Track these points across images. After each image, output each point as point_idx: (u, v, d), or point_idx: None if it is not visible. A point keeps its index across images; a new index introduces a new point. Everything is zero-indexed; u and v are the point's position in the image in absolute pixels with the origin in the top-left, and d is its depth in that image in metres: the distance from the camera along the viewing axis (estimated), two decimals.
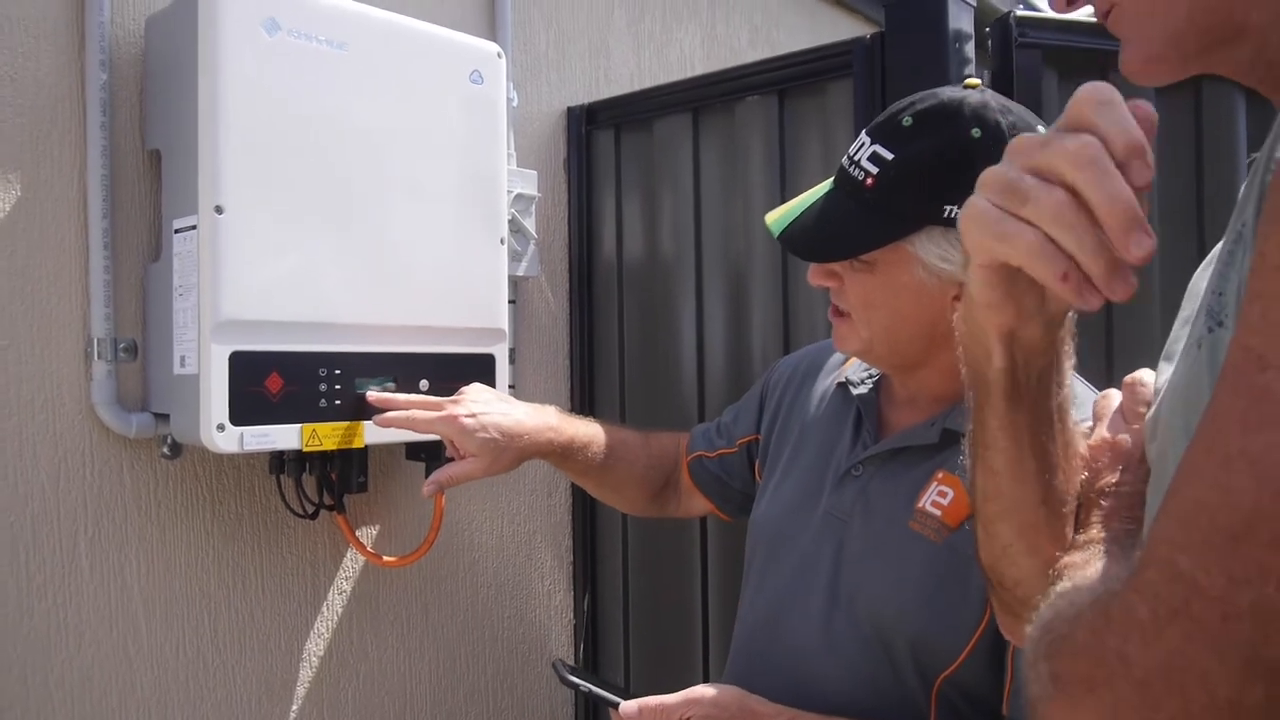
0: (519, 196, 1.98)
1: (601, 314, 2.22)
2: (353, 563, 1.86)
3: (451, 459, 1.51)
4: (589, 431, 1.54)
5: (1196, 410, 0.51)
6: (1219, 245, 0.70)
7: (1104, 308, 1.14)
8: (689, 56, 2.58)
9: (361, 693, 1.87)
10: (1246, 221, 0.57)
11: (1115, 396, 0.83)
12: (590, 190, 2.23)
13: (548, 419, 1.51)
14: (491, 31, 2.07)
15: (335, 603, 1.83)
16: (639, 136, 2.17)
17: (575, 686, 1.33)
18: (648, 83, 2.41)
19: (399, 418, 1.52)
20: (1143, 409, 0.77)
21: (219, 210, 1.42)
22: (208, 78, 1.42)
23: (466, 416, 1.45)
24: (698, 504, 1.60)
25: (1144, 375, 0.82)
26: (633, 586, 2.19)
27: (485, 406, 1.48)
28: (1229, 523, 0.46)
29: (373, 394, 1.57)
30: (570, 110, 2.24)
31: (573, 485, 2.25)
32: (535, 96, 2.18)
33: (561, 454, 1.52)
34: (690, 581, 2.08)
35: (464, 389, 1.55)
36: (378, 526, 1.89)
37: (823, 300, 1.88)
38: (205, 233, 1.42)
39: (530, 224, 2.02)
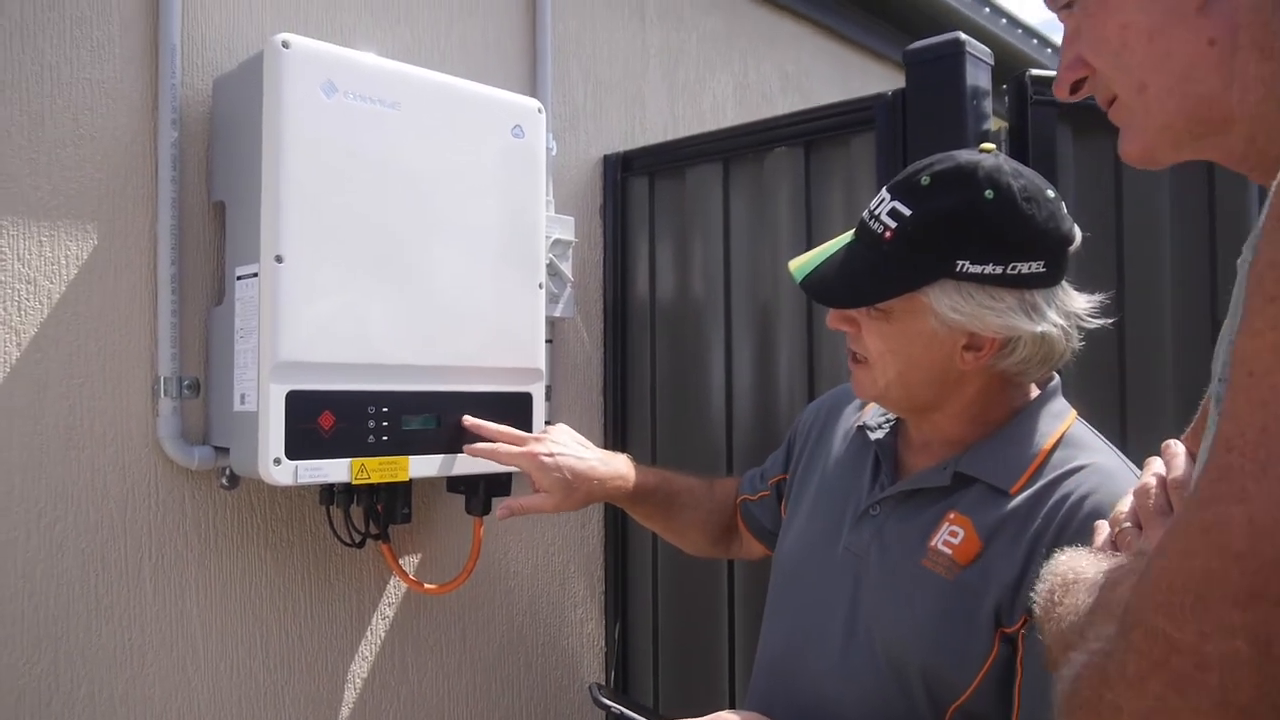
0: (557, 241, 2.09)
1: (634, 353, 2.32)
2: (395, 589, 1.95)
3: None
4: (656, 479, 1.66)
5: None
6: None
7: (1118, 377, 1.20)
8: (721, 104, 2.68)
9: (402, 713, 1.96)
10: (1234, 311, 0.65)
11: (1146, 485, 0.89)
12: (625, 235, 2.33)
13: (617, 467, 1.63)
14: (532, 85, 2.19)
15: (378, 627, 1.92)
16: (672, 184, 2.27)
17: (608, 708, 1.40)
18: (682, 129, 2.51)
19: (484, 449, 1.67)
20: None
21: (279, 259, 1.53)
22: (271, 136, 1.54)
23: (545, 455, 1.58)
24: (755, 547, 1.68)
25: (1177, 461, 0.87)
26: (662, 616, 2.26)
27: (563, 448, 1.61)
28: (1193, 584, 0.54)
29: (468, 418, 1.71)
30: (606, 158, 2.34)
31: (605, 518, 2.34)
32: (573, 145, 2.29)
33: (629, 499, 1.64)
34: (717, 611, 2.15)
35: (549, 428, 1.70)
36: (419, 555, 1.98)
37: (844, 343, 1.96)
38: (266, 280, 1.53)
39: (567, 268, 2.12)
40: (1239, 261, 0.67)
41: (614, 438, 2.31)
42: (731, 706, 2.01)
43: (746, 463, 2.08)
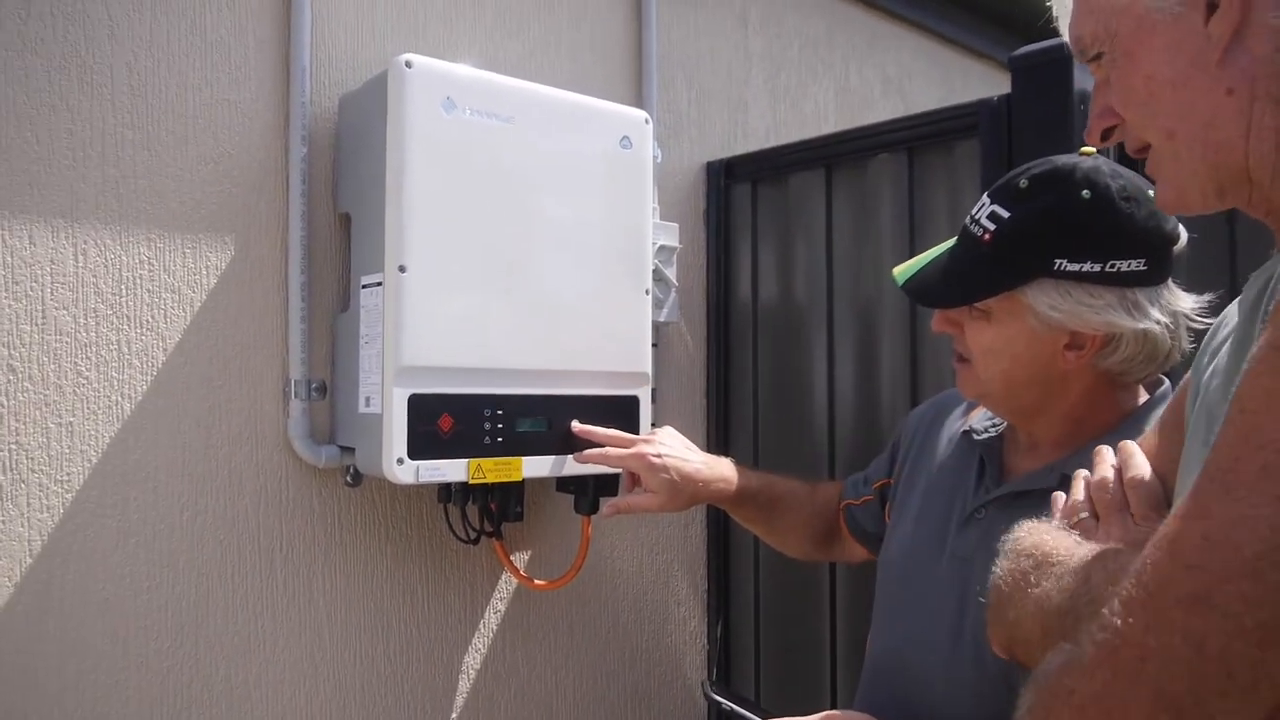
0: (662, 247, 2.14)
1: (737, 357, 2.35)
2: (506, 585, 2.02)
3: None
4: (758, 482, 1.71)
5: None
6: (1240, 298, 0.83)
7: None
8: (823, 109, 2.70)
9: (512, 705, 2.03)
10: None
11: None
12: (728, 240, 2.37)
13: (722, 471, 1.68)
14: (638, 92, 2.24)
15: (490, 621, 2.00)
16: (774, 190, 2.30)
17: (719, 704, 1.44)
18: (784, 135, 2.54)
19: (595, 454, 1.73)
20: (1147, 510, 0.89)
21: (402, 269, 1.61)
22: (394, 151, 1.62)
23: (654, 456, 1.64)
24: (857, 550, 1.70)
25: (1136, 460, 0.93)
26: (764, 615, 2.30)
27: (671, 450, 1.67)
28: (1148, 585, 0.61)
29: (577, 425, 1.78)
30: (709, 165, 2.39)
31: (707, 518, 2.39)
32: (677, 152, 2.33)
33: (732, 502, 1.69)
34: (820, 611, 2.17)
35: (656, 430, 1.77)
36: (529, 552, 2.06)
37: (947, 347, 1.96)
38: (390, 289, 1.61)
39: (671, 273, 2.17)
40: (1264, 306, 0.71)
41: (717, 441, 2.35)
42: (833, 706, 2.04)
43: (849, 466, 2.10)
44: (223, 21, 1.68)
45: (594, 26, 2.18)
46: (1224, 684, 0.58)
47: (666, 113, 2.31)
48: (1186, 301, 1.26)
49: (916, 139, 2.02)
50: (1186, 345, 1.25)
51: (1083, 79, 1.79)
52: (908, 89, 2.94)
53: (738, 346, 2.36)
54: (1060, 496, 0.99)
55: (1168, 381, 1.35)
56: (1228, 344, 0.83)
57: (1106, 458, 0.96)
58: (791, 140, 2.34)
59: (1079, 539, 0.88)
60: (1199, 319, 1.25)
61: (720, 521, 2.38)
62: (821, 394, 2.19)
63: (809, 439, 2.20)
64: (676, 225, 2.21)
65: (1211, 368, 0.86)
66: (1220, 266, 1.78)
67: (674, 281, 2.18)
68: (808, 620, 2.19)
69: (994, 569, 0.93)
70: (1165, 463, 0.92)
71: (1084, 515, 0.92)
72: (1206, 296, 1.26)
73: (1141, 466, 0.92)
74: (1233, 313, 0.90)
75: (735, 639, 2.36)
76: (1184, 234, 1.25)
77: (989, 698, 1.26)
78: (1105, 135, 0.89)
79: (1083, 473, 0.98)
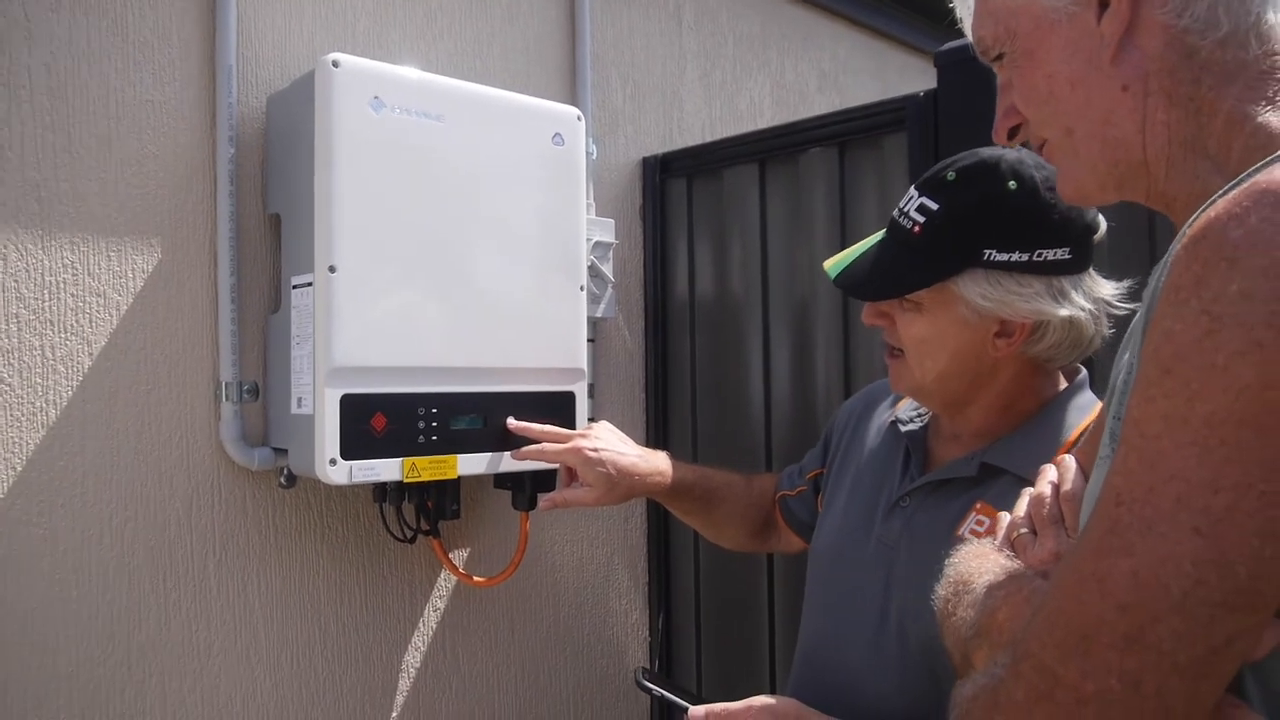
0: (597, 244, 2.14)
1: (675, 352, 2.37)
2: (445, 583, 2.03)
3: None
4: (694, 475, 1.72)
5: None
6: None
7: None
8: (758, 104, 2.72)
9: (453, 703, 2.03)
10: (1133, 365, 0.71)
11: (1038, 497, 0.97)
12: (664, 235, 2.39)
13: (658, 464, 1.69)
14: (573, 91, 2.25)
15: (430, 619, 2.00)
16: (710, 185, 2.32)
17: (650, 692, 1.45)
18: (719, 130, 2.56)
19: (531, 451, 1.74)
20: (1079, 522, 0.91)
21: (332, 269, 1.60)
22: (323, 151, 1.61)
23: (590, 450, 1.65)
24: (794, 540, 1.72)
25: (1069, 474, 0.96)
26: (704, 605, 2.32)
27: (607, 444, 1.68)
28: (1081, 628, 0.62)
29: (513, 422, 1.78)
30: (645, 161, 2.40)
31: (647, 511, 2.40)
32: (613, 148, 2.34)
33: (668, 495, 1.70)
34: (758, 600, 2.20)
35: (592, 425, 1.77)
36: (468, 550, 2.06)
37: (880, 339, 1.99)
38: (320, 289, 1.61)
39: (608, 269, 2.18)
40: (1138, 317, 0.73)
41: (655, 435, 2.37)
42: (773, 691, 2.06)
43: (785, 458, 2.13)
44: (145, 21, 1.66)
45: (527, 25, 2.19)
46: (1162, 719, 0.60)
47: (602, 110, 2.32)
48: (1107, 288, 1.29)
49: (847, 133, 2.05)
50: (1106, 331, 1.29)
51: None
52: (844, 83, 2.97)
53: (675, 341, 2.38)
54: (1005, 516, 1.01)
55: (1085, 370, 1.38)
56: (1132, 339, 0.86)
57: (1047, 474, 0.98)
58: (728, 135, 2.37)
59: (1006, 560, 0.90)
60: (1119, 305, 1.28)
61: (660, 514, 2.40)
62: (758, 387, 2.21)
63: (746, 431, 2.23)
64: (613, 221, 2.22)
65: (1130, 362, 0.88)
66: (1141, 254, 1.83)
67: (610, 277, 2.19)
68: (748, 611, 2.22)
69: (933, 595, 0.95)
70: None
71: (1023, 531, 0.93)
72: (1125, 283, 1.30)
73: (1075, 480, 0.94)
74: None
75: (677, 631, 2.39)
76: (1103, 223, 1.28)
77: (913, 679, 1.30)
78: (1011, 134, 0.91)
79: (1027, 490, 1.00)
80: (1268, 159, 0.67)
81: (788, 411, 2.17)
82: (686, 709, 1.37)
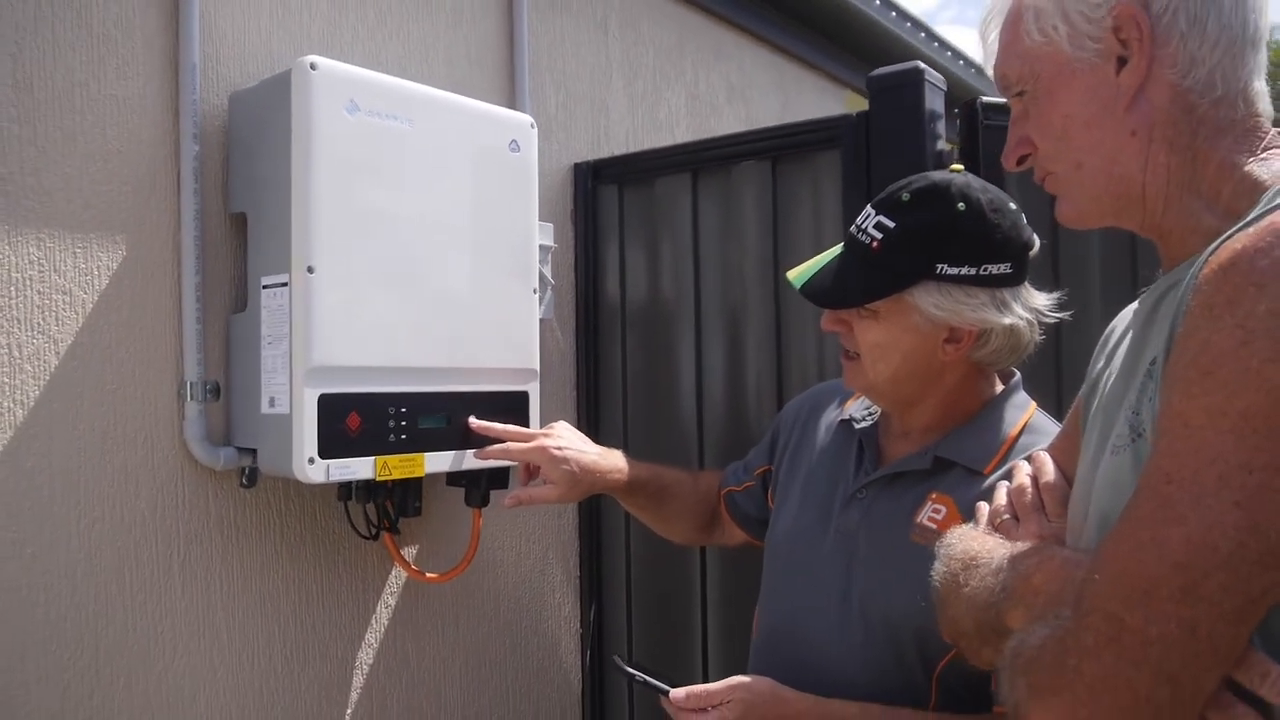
0: (539, 247, 2.20)
1: (606, 353, 2.45)
2: (396, 580, 2.05)
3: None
4: (648, 473, 1.79)
5: (1121, 497, 0.82)
6: (1133, 306, 1.02)
7: (1052, 332, 1.41)
8: (675, 114, 2.83)
9: (403, 697, 2.06)
10: (1156, 358, 0.85)
11: (1014, 487, 1.12)
12: (596, 240, 2.46)
13: (616, 461, 1.76)
14: (512, 96, 2.30)
15: (382, 616, 2.02)
16: (641, 192, 2.41)
17: (631, 676, 1.52)
18: (642, 138, 2.65)
19: (496, 450, 1.77)
20: (1059, 509, 1.06)
21: (310, 270, 1.62)
22: (300, 153, 1.62)
23: (555, 449, 1.70)
24: (736, 533, 1.82)
25: (1047, 467, 1.11)
26: (635, 597, 2.41)
27: (569, 443, 1.74)
28: (1144, 583, 0.76)
29: (475, 421, 1.82)
30: (577, 167, 2.47)
31: (579, 507, 2.47)
32: (546, 154, 2.40)
33: (624, 491, 1.77)
34: (689, 591, 2.30)
35: (552, 425, 1.81)
36: (416, 546, 2.09)
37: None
38: (298, 289, 1.62)
39: (548, 271, 2.24)
40: (1153, 355, 0.87)
41: (586, 433, 2.43)
42: (706, 678, 2.17)
43: (717, 456, 2.23)
44: (109, 14, 1.64)
45: (469, 30, 2.23)
46: (1211, 659, 0.74)
47: (537, 115, 2.37)
48: (1040, 299, 1.45)
49: (779, 149, 2.17)
50: (1039, 337, 1.44)
51: (933, 100, 1.99)
52: (750, 96, 3.11)
53: (606, 343, 2.45)
54: (984, 505, 1.14)
55: (1018, 374, 1.54)
56: (1123, 348, 1.00)
57: (1023, 468, 1.13)
58: (648, 144, 2.46)
59: (1000, 540, 1.04)
60: (1050, 314, 1.44)
61: (592, 510, 2.47)
62: (689, 387, 2.31)
63: (677, 431, 2.32)
64: (551, 225, 2.28)
65: (1108, 370, 1.02)
66: (1044, 270, 2.02)
67: (550, 280, 2.25)
68: (680, 602, 2.32)
69: (932, 573, 1.08)
70: (1068, 462, 1.09)
71: (1006, 517, 1.07)
72: (1055, 294, 1.46)
73: (1052, 472, 1.09)
74: (1121, 322, 1.07)
75: (608, 620, 2.47)
76: (1036, 240, 1.44)
77: (876, 655, 1.41)
78: (1020, 161, 1.04)
79: (1002, 483, 1.15)
80: (1274, 201, 0.81)
81: (720, 411, 2.27)
82: (667, 691, 1.44)
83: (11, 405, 1.52)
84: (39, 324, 1.55)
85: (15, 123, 1.53)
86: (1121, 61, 0.93)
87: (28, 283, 1.54)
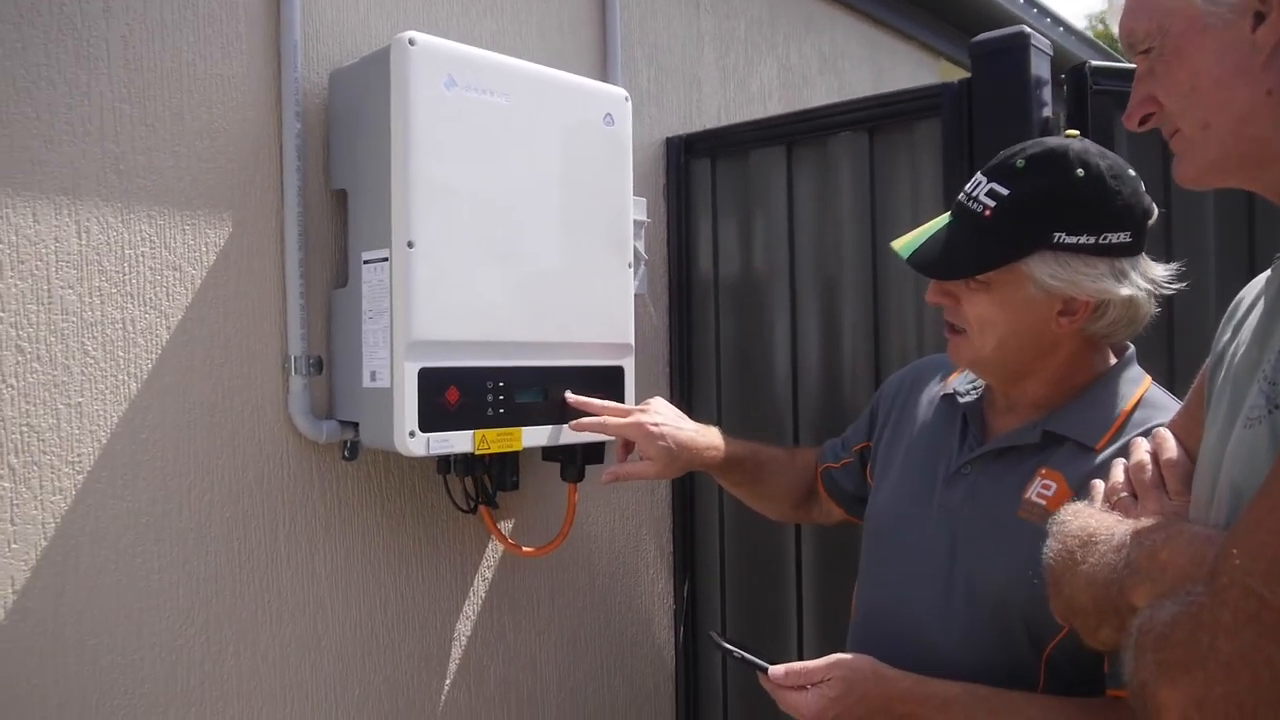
0: (633, 222, 2.19)
1: (699, 328, 2.44)
2: (493, 553, 2.07)
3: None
4: (744, 450, 1.78)
5: (1257, 471, 0.79)
6: (1264, 275, 0.96)
7: (1165, 304, 1.36)
8: (767, 87, 2.79)
9: (501, 670, 2.09)
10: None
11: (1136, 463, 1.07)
12: (689, 214, 2.44)
13: (711, 438, 1.75)
14: (603, 70, 2.29)
15: (479, 589, 2.05)
16: (734, 165, 2.38)
17: (729, 652, 1.51)
18: (734, 112, 2.62)
19: (593, 423, 1.76)
20: (1181, 487, 1.01)
21: (410, 245, 1.63)
22: (399, 129, 1.63)
23: (652, 425, 1.69)
24: (834, 511, 1.79)
25: (1169, 444, 1.06)
26: (729, 573, 2.40)
27: (666, 419, 1.73)
28: None
29: (572, 396, 1.83)
30: (669, 141, 2.45)
31: (672, 483, 2.47)
32: (639, 128, 2.37)
33: (720, 468, 1.76)
34: (784, 568, 2.28)
35: (649, 401, 1.80)
36: (512, 520, 2.10)
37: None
38: (398, 265, 1.63)
39: (641, 246, 2.23)
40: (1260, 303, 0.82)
41: (680, 409, 2.42)
42: (800, 656, 2.15)
43: (812, 433, 2.21)
44: None
45: (562, 3, 2.22)
46: None
47: (629, 89, 2.35)
48: (1159, 270, 1.39)
49: (878, 118, 2.13)
50: (1156, 309, 1.38)
51: (1038, 65, 1.92)
52: (842, 68, 3.06)
53: (699, 318, 2.44)
54: (1099, 483, 1.10)
55: (1133, 347, 1.48)
56: (1252, 319, 0.94)
57: (1142, 444, 1.08)
58: (740, 118, 2.43)
59: (1119, 517, 0.99)
60: (1168, 285, 1.38)
61: (685, 486, 2.46)
62: (784, 363, 2.28)
63: (771, 407, 2.30)
64: (645, 200, 2.27)
65: (1236, 341, 0.97)
66: (1157, 239, 1.95)
67: (644, 255, 2.24)
68: (773, 576, 2.30)
69: (1044, 550, 1.04)
70: (1191, 439, 1.04)
71: (1123, 495, 1.03)
72: (1174, 265, 1.39)
73: (1174, 449, 1.04)
74: (1250, 292, 1.02)
75: (702, 597, 2.46)
76: (1155, 209, 1.38)
77: (980, 634, 1.38)
78: (1143, 121, 0.99)
79: (1119, 460, 1.10)
80: None
81: (815, 386, 2.24)
82: (766, 668, 1.43)
83: (125, 378, 1.56)
84: (151, 299, 1.59)
85: (126, 102, 1.56)
86: (1259, 17, 0.87)
87: (140, 259, 1.58)
